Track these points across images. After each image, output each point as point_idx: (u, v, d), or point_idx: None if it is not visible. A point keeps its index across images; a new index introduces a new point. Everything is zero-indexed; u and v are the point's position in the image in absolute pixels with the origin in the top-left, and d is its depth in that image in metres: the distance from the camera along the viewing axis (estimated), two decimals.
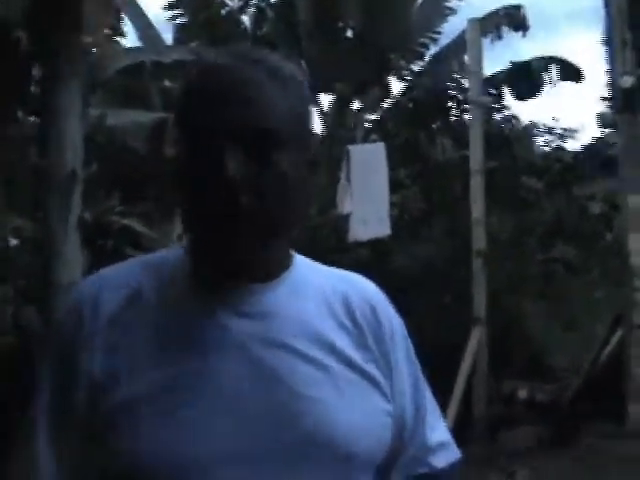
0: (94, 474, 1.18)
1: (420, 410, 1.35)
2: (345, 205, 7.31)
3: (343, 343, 1.24)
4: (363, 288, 1.35)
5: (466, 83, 9.11)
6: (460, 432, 6.81)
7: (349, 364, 1.23)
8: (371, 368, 1.26)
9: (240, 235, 1.15)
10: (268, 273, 1.24)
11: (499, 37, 10.73)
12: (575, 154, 9.55)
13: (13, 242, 9.64)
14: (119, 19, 9.46)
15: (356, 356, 1.25)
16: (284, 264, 1.27)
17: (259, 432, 1.15)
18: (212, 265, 1.20)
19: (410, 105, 10.17)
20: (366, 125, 11.31)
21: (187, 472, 1.13)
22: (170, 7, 11.34)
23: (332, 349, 1.23)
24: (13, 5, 4.90)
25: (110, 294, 1.24)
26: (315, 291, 1.28)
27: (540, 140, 10.52)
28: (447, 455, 1.40)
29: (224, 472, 1.13)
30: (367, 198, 7.24)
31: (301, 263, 1.31)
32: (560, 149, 10.17)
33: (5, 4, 5.00)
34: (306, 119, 1.25)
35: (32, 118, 7.88)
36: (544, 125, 10.67)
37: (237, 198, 1.13)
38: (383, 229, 7.51)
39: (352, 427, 1.19)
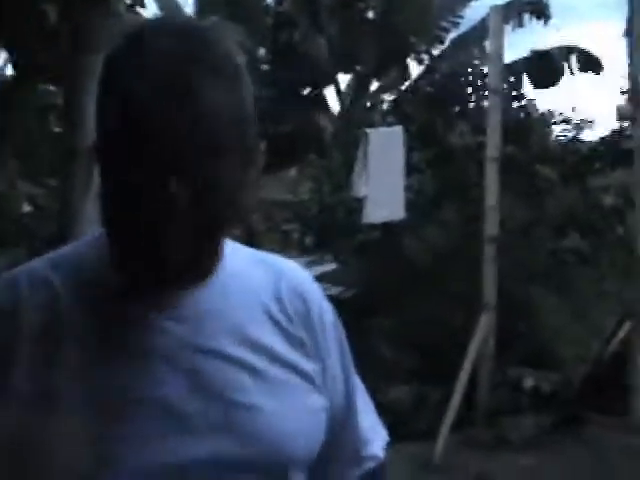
0: None
1: (351, 399, 1.33)
2: (361, 188, 7.34)
3: (276, 341, 1.20)
4: (293, 276, 1.29)
5: (485, 69, 9.09)
6: (464, 417, 6.88)
7: (284, 364, 1.19)
8: (305, 363, 1.22)
9: (174, 239, 1.05)
10: (200, 275, 1.16)
11: (520, 25, 10.72)
12: (592, 145, 9.51)
13: (27, 209, 9.69)
14: None
15: (290, 353, 1.21)
16: (216, 263, 1.18)
17: (201, 445, 1.11)
18: (142, 270, 1.10)
19: (428, 89, 10.16)
20: (384, 107, 11.30)
21: None
22: None
23: (265, 350, 1.18)
24: None
25: (27, 299, 1.14)
26: (245, 286, 1.22)
27: (557, 130, 10.48)
28: (382, 440, 1.40)
29: None
30: (383, 181, 7.27)
31: (231, 254, 1.21)
32: (577, 140, 10.14)
33: None
34: (251, 117, 1.11)
35: (51, 87, 7.90)
36: (560, 114, 10.63)
37: (175, 206, 1.03)
38: (397, 212, 7.55)
39: (292, 432, 1.17)
